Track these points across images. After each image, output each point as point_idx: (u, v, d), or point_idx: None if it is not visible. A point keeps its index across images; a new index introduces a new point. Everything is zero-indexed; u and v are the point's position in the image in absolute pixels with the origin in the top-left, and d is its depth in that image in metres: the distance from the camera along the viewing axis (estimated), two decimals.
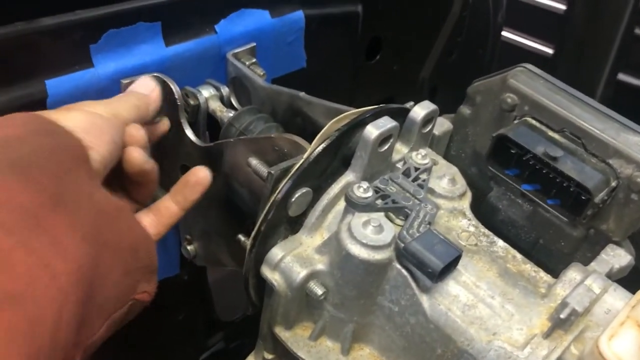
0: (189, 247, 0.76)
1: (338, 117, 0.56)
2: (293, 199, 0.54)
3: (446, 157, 0.65)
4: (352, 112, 0.57)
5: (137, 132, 0.56)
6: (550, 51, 3.02)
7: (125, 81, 0.65)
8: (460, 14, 1.12)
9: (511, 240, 0.61)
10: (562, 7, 2.34)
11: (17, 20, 0.58)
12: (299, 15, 0.82)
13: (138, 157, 0.55)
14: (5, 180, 0.39)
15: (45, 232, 0.39)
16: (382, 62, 1.02)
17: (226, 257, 0.71)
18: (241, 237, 0.62)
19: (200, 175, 0.60)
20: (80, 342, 0.41)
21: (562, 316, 0.46)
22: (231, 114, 0.69)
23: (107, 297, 0.45)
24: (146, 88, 0.62)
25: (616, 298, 0.49)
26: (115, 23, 0.64)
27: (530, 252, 0.61)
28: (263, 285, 0.57)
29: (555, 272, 0.54)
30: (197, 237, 0.75)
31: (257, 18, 0.77)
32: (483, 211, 0.63)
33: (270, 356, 0.61)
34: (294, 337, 0.57)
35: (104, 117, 0.53)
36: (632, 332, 0.42)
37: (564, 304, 0.47)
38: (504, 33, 2.63)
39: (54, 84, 0.60)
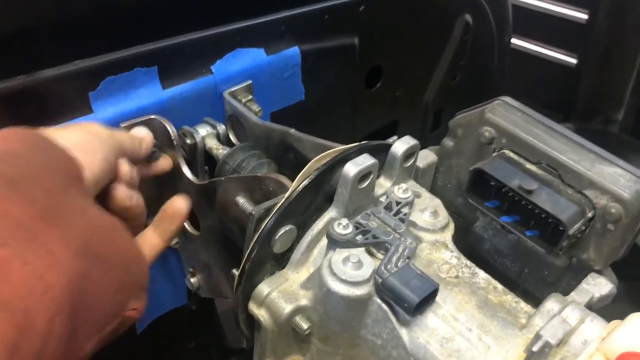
0: (192, 280, 0.78)
1: (319, 156, 0.58)
2: (276, 237, 0.56)
3: (433, 188, 0.67)
4: (334, 150, 0.59)
5: (124, 168, 0.58)
6: (574, 61, 3.00)
7: (124, 124, 0.68)
8: (462, 38, 1.14)
9: (497, 269, 0.62)
10: (584, 16, 2.32)
11: (19, 74, 0.62)
12: (294, 51, 0.84)
13: (120, 194, 0.57)
14: (1, 194, 0.42)
15: (39, 245, 0.41)
16: (383, 89, 1.04)
17: (226, 289, 0.73)
18: (235, 272, 0.64)
19: (177, 206, 0.61)
20: (68, 355, 0.42)
21: (534, 349, 0.47)
22: (226, 151, 0.72)
23: (98, 312, 0.46)
24: (139, 133, 0.65)
25: (593, 329, 0.50)
26: (113, 70, 0.67)
27: (517, 281, 0.62)
28: (252, 320, 0.59)
29: (541, 300, 0.55)
30: (199, 270, 0.78)
31: (253, 56, 0.80)
32: (470, 241, 0.64)
33: None
34: None
35: (100, 136, 0.56)
36: None
37: (537, 337, 0.48)
38: (526, 45, 2.62)
39: None
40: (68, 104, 0.65)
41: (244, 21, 0.78)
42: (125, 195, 0.57)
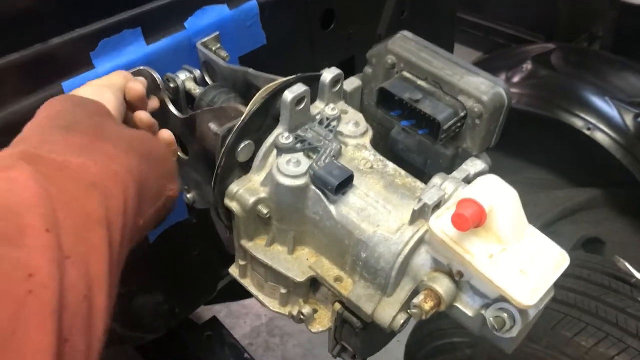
0: (188, 196, 1.00)
1: (265, 87, 0.78)
2: (239, 149, 0.76)
3: (362, 107, 0.86)
4: (276, 83, 0.78)
5: (137, 87, 0.80)
6: None
7: None
8: None
9: (410, 163, 0.83)
10: None
11: (35, 43, 0.81)
12: (253, 4, 1.03)
13: (141, 114, 0.81)
14: (63, 135, 0.62)
15: (101, 153, 0.62)
16: (338, 29, 1.22)
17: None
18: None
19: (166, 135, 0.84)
20: (137, 220, 0.64)
21: (415, 208, 0.68)
22: (202, 90, 0.91)
23: (150, 192, 0.68)
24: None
25: (462, 194, 0.70)
26: (107, 33, 0.86)
27: (423, 170, 0.82)
28: (229, 212, 0.80)
29: None
30: (192, 187, 0.99)
31: (218, 12, 0.98)
32: (389, 143, 0.84)
33: (243, 262, 0.85)
34: (255, 246, 0.81)
35: (105, 86, 0.77)
36: (450, 212, 0.63)
37: (419, 200, 0.69)
38: None
39: (68, 85, 0.84)
40: (75, 62, 0.85)
41: None
42: (144, 115, 0.81)
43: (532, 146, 2.16)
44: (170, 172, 0.76)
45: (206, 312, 2.06)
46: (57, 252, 0.48)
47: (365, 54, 0.86)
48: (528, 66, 2.25)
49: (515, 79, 2.22)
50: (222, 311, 2.38)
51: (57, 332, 0.44)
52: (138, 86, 0.80)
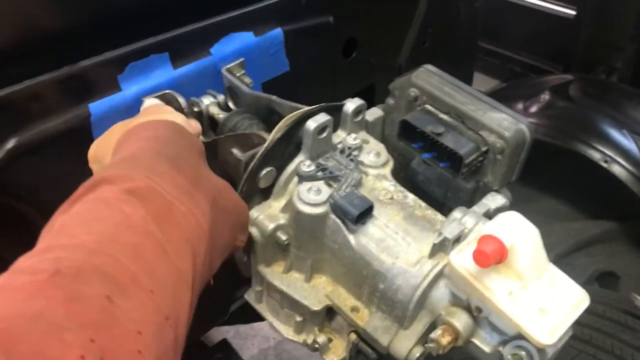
0: None
1: (289, 115, 0.79)
2: (260, 176, 0.77)
3: (383, 137, 0.87)
4: (300, 111, 0.79)
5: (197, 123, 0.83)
6: (572, 12, 3.13)
7: (145, 99, 0.89)
8: (428, 8, 1.32)
9: (429, 194, 0.83)
10: None
11: (64, 65, 0.83)
12: (278, 32, 1.04)
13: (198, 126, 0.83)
14: (170, 170, 0.61)
15: (196, 202, 0.60)
16: (359, 58, 1.24)
17: None
18: None
19: None
20: (208, 271, 0.63)
21: (435, 242, 0.68)
22: (225, 115, 0.92)
23: (221, 243, 0.67)
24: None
25: (482, 229, 0.71)
26: (134, 57, 0.88)
27: (443, 202, 0.82)
28: (249, 238, 0.81)
29: None
30: None
31: (243, 39, 1.00)
32: (408, 174, 0.84)
33: (259, 288, 0.85)
34: (272, 272, 0.81)
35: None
36: (471, 247, 0.64)
37: (439, 234, 0.69)
38: None
39: (94, 106, 0.85)
40: (102, 85, 0.87)
41: (235, 11, 0.99)
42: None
43: (547, 176, 2.15)
44: (243, 224, 0.75)
45: (214, 332, 2.05)
46: (159, 313, 0.48)
47: (385, 83, 0.87)
48: (546, 96, 2.25)
49: (533, 109, 2.22)
50: (230, 331, 2.37)
51: None
52: (199, 126, 0.81)
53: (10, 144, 0.79)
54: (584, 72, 3.07)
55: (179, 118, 0.77)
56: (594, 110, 2.14)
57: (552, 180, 2.16)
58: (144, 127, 0.70)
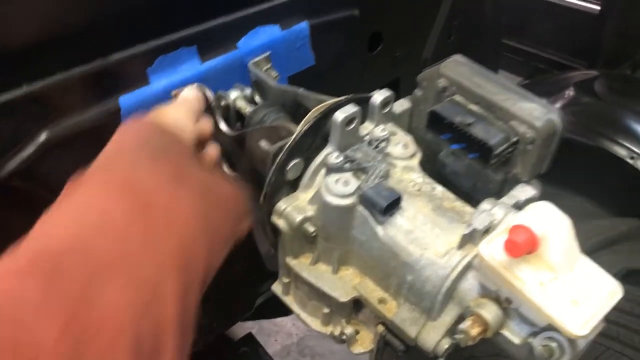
0: None
1: (316, 107, 0.79)
2: (288, 168, 0.78)
3: (410, 128, 0.87)
4: (327, 103, 0.80)
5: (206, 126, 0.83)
6: (597, 7, 3.09)
7: (174, 92, 0.90)
8: (454, 1, 1.31)
9: (457, 186, 0.82)
10: None
11: (96, 58, 0.84)
12: (304, 25, 1.04)
13: (207, 127, 0.83)
14: (149, 168, 0.63)
15: (180, 198, 0.62)
16: (384, 52, 1.23)
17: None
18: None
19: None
20: (212, 260, 0.64)
21: (464, 233, 0.68)
22: (252, 109, 0.93)
23: (222, 234, 0.68)
24: (191, 93, 0.86)
25: (513, 219, 0.70)
26: (163, 50, 0.89)
27: (471, 194, 0.82)
28: (276, 229, 0.81)
29: None
30: None
31: (270, 32, 1.01)
32: (436, 166, 0.84)
33: (286, 280, 0.85)
34: (299, 264, 0.81)
35: (184, 111, 0.79)
36: (501, 238, 0.63)
37: (469, 225, 0.68)
38: None
39: (124, 99, 0.86)
40: (132, 78, 0.88)
41: (262, 4, 0.99)
42: (215, 152, 0.84)
43: (572, 173, 2.12)
44: (242, 212, 0.75)
45: (237, 328, 2.06)
46: (139, 297, 0.49)
47: (410, 77, 0.86)
48: (570, 92, 2.22)
49: (558, 105, 2.19)
50: (253, 327, 2.38)
51: None
52: (208, 126, 0.82)
53: (43, 137, 0.80)
54: (608, 68, 3.03)
55: (179, 114, 0.77)
56: (619, 106, 2.11)
57: (577, 177, 2.13)
58: (124, 130, 0.72)
